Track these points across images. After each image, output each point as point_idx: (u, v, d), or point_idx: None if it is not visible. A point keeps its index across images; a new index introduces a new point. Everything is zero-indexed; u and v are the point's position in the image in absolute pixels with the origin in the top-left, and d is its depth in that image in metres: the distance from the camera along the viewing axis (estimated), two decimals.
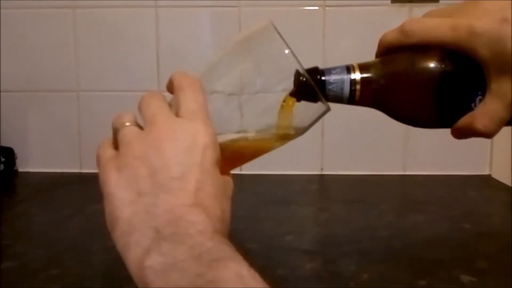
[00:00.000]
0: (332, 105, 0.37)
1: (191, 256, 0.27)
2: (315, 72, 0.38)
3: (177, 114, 0.33)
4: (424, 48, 0.37)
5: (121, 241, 0.30)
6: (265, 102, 0.38)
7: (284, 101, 0.37)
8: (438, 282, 0.51)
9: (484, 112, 0.35)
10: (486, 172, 0.95)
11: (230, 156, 0.36)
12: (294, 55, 0.36)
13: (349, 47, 0.92)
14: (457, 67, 0.36)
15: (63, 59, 0.96)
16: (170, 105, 0.35)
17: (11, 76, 0.97)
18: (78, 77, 0.96)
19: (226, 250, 0.28)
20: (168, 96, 0.36)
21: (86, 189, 0.83)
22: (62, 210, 0.76)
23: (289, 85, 0.37)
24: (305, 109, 0.37)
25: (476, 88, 0.36)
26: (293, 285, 0.51)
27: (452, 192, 0.86)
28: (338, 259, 0.57)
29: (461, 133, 0.37)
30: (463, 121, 0.37)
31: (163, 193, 0.30)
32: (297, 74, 0.36)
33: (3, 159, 0.94)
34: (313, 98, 0.36)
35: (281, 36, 0.36)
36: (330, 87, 0.38)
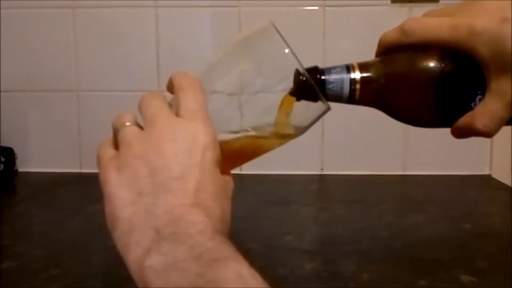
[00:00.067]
0: (332, 105, 0.37)
1: (191, 256, 0.27)
2: (315, 71, 0.38)
3: (177, 114, 0.33)
4: (424, 47, 0.37)
5: (121, 241, 0.30)
6: (265, 102, 0.38)
7: (283, 100, 0.37)
8: (438, 282, 0.51)
9: (484, 111, 0.35)
10: (486, 172, 0.95)
11: (230, 156, 0.36)
12: (294, 55, 0.36)
13: (349, 47, 0.92)
14: (457, 66, 0.36)
15: (63, 59, 0.96)
16: (170, 105, 0.35)
17: (11, 76, 0.97)
18: (78, 77, 0.96)
19: (226, 250, 0.28)
20: (168, 96, 0.36)
21: (86, 189, 0.83)
22: (62, 210, 0.76)
23: (289, 85, 0.37)
24: (305, 109, 0.37)
25: (476, 88, 0.36)
26: (293, 285, 0.51)
27: (452, 192, 0.86)
28: (338, 259, 0.57)
29: (461, 133, 0.37)
30: (463, 120, 0.37)
31: (163, 193, 0.30)
32: (297, 73, 0.36)
33: (3, 159, 0.94)
34: (313, 98, 0.36)
35: (281, 36, 0.36)
36: (330, 86, 0.38)
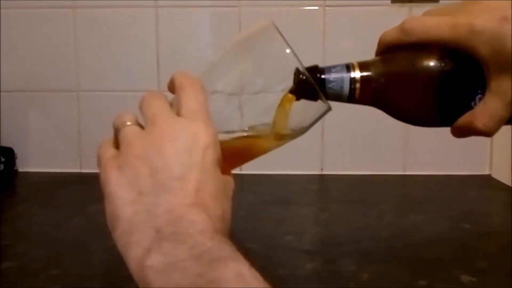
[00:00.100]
0: (332, 105, 0.37)
1: (191, 255, 0.27)
2: (315, 70, 0.38)
3: (178, 114, 0.33)
4: (424, 46, 0.37)
5: (121, 241, 0.30)
6: (265, 102, 0.38)
7: (283, 98, 0.37)
8: (438, 282, 0.51)
9: (484, 110, 0.35)
10: (486, 172, 0.95)
11: (230, 156, 0.36)
12: (295, 55, 0.36)
13: (349, 47, 0.92)
14: (457, 65, 0.36)
15: (63, 59, 0.96)
16: (171, 105, 0.35)
17: (11, 76, 0.97)
18: (78, 77, 0.96)
19: (227, 249, 0.28)
20: (169, 95, 0.36)
21: (86, 189, 0.83)
22: (62, 210, 0.76)
23: (290, 85, 0.37)
24: (305, 109, 0.37)
25: (476, 87, 0.36)
26: (293, 285, 0.51)
27: (452, 192, 0.86)
28: (338, 259, 0.57)
29: (461, 132, 0.37)
30: (463, 119, 0.37)
31: (163, 192, 0.30)
32: (297, 72, 0.36)
33: (3, 159, 0.94)
34: (313, 97, 0.36)
35: (282, 36, 0.36)
36: (330, 85, 0.38)
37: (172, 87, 0.36)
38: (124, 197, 0.31)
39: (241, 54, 0.39)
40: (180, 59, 0.93)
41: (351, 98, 0.38)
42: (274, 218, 0.72)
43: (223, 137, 0.35)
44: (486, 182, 0.92)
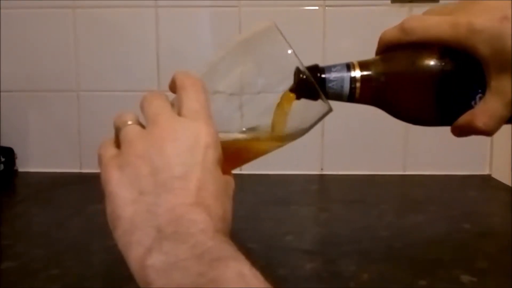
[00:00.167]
0: (332, 105, 0.37)
1: (192, 255, 0.27)
2: (315, 69, 0.38)
3: (179, 114, 0.33)
4: (424, 46, 0.37)
5: (122, 240, 0.30)
6: (266, 102, 0.38)
7: (282, 96, 0.37)
8: (438, 282, 0.51)
9: (484, 110, 0.36)
10: (486, 172, 0.95)
11: (231, 156, 0.36)
12: (296, 55, 0.36)
13: (349, 47, 0.92)
14: (457, 65, 0.36)
15: (63, 59, 0.96)
16: (172, 104, 0.35)
17: (11, 76, 0.96)
18: (78, 77, 0.96)
19: (228, 249, 0.28)
20: (170, 95, 0.36)
21: (86, 189, 0.83)
22: (62, 210, 0.76)
23: (290, 85, 0.37)
24: (305, 110, 0.37)
25: (476, 86, 0.36)
26: (293, 285, 0.51)
27: (452, 192, 0.86)
28: (338, 259, 0.57)
29: (461, 131, 0.38)
30: (463, 119, 0.37)
31: (164, 192, 0.30)
32: (297, 71, 0.36)
33: (3, 159, 0.94)
34: (313, 96, 0.36)
35: (284, 38, 0.36)
36: (330, 84, 0.38)
37: (173, 87, 0.36)
38: (125, 197, 0.31)
39: (242, 55, 0.39)
40: (180, 59, 0.93)
41: (351, 97, 0.38)
42: (274, 218, 0.72)
43: (224, 137, 0.35)
44: (486, 182, 0.92)
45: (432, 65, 0.37)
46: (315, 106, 0.37)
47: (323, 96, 0.36)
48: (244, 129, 0.38)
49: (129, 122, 0.34)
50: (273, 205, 0.78)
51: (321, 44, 0.92)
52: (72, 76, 0.96)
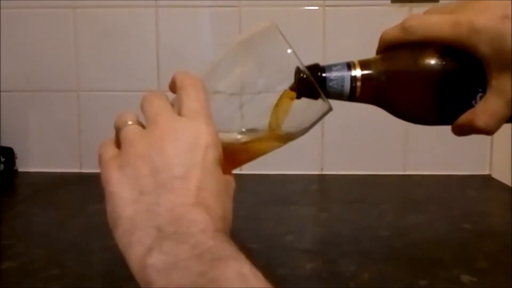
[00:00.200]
0: (332, 105, 0.37)
1: (193, 255, 0.27)
2: (315, 68, 0.38)
3: (179, 114, 0.33)
4: (425, 45, 0.37)
5: (123, 240, 0.30)
6: (266, 102, 0.38)
7: (282, 94, 0.37)
8: (438, 282, 0.51)
9: (485, 109, 0.36)
10: (486, 172, 0.95)
11: (231, 156, 0.36)
12: (296, 55, 0.36)
13: (349, 46, 0.92)
14: (457, 64, 0.36)
15: (63, 59, 0.96)
16: (172, 104, 0.35)
17: (11, 76, 0.96)
18: (78, 77, 0.96)
19: (228, 249, 0.28)
20: (170, 95, 0.36)
21: (86, 189, 0.83)
22: (62, 210, 0.76)
23: (291, 84, 0.37)
24: (306, 109, 0.37)
25: (477, 85, 0.36)
26: (293, 285, 0.51)
27: (452, 192, 0.86)
28: (338, 259, 0.57)
29: (462, 130, 0.38)
30: (464, 118, 0.37)
31: (165, 192, 0.30)
32: (298, 71, 0.36)
33: (3, 159, 0.94)
34: (313, 95, 0.36)
35: (284, 37, 0.36)
36: (330, 84, 0.38)
37: (173, 87, 0.36)
38: (125, 197, 0.31)
39: (242, 55, 0.39)
40: (180, 59, 0.93)
41: (352, 96, 0.38)
42: (274, 218, 0.72)
43: (224, 137, 0.35)
44: (486, 182, 0.92)
45: (432, 64, 0.37)
46: (315, 105, 0.37)
47: (323, 95, 0.36)
48: (244, 129, 0.38)
49: (129, 122, 0.33)
50: (273, 205, 0.78)
51: (321, 44, 0.92)
52: (72, 76, 0.96)
